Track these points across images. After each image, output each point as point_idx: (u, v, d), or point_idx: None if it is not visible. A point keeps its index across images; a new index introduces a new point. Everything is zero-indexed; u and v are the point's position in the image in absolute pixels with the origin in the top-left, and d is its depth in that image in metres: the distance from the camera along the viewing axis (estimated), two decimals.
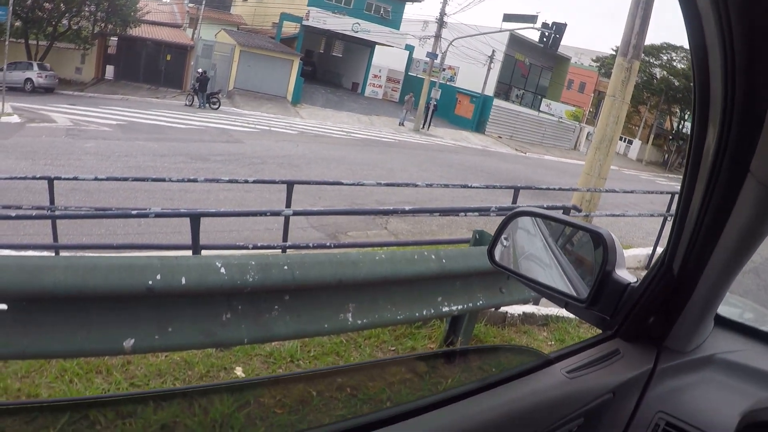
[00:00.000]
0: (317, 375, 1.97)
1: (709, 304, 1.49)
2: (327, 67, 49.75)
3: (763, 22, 0.85)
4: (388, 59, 45.57)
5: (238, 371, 4.08)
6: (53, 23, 33.05)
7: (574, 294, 1.48)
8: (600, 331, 1.61)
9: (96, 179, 7.42)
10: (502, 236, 1.70)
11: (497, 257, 1.70)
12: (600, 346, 1.54)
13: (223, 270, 2.90)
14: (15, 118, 20.91)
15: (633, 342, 1.54)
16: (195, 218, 5.13)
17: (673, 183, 34.14)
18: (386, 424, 1.10)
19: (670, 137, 53.73)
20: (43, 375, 3.65)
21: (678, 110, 51.91)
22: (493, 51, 43.60)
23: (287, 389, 1.39)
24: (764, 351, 1.72)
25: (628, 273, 1.44)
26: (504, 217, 1.73)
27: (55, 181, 7.36)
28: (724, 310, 1.77)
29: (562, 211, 6.75)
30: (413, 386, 1.55)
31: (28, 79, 30.14)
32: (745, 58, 0.91)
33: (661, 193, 12.62)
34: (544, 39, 28.15)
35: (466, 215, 8.10)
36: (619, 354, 1.51)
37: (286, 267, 3.06)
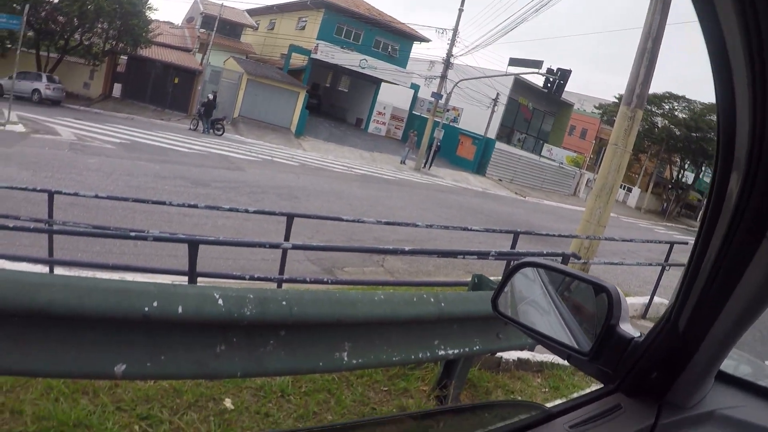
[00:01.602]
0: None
1: (713, 362, 1.48)
2: (332, 101, 50.10)
3: None
4: (393, 97, 45.95)
5: (227, 402, 4.02)
6: (65, 37, 33.38)
7: (576, 346, 1.48)
8: (599, 384, 1.59)
9: (96, 197, 7.39)
10: (506, 286, 1.71)
11: (500, 306, 1.70)
12: (602, 401, 1.52)
13: (220, 301, 2.87)
14: (20, 128, 21.01)
15: (634, 397, 1.52)
16: (193, 245, 5.10)
17: (672, 232, 34.27)
18: None
19: (670, 186, 54.08)
20: (28, 391, 3.61)
21: (678, 159, 52.31)
22: (498, 94, 43.99)
23: None
24: (764, 407, 1.70)
25: (631, 327, 1.43)
26: (506, 262, 1.73)
27: (56, 195, 7.35)
28: (724, 364, 1.76)
29: (561, 258, 6.74)
30: None
31: (36, 90, 30.33)
32: None
33: (660, 242, 12.64)
34: (549, 84, 28.40)
35: (464, 257, 8.08)
36: (621, 409, 1.49)
37: (284, 302, 3.03)
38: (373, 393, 4.62)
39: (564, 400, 4.94)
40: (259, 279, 6.03)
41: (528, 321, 1.66)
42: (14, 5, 28.44)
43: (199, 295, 2.88)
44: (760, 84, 0.86)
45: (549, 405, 1.56)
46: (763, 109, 0.89)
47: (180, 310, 2.74)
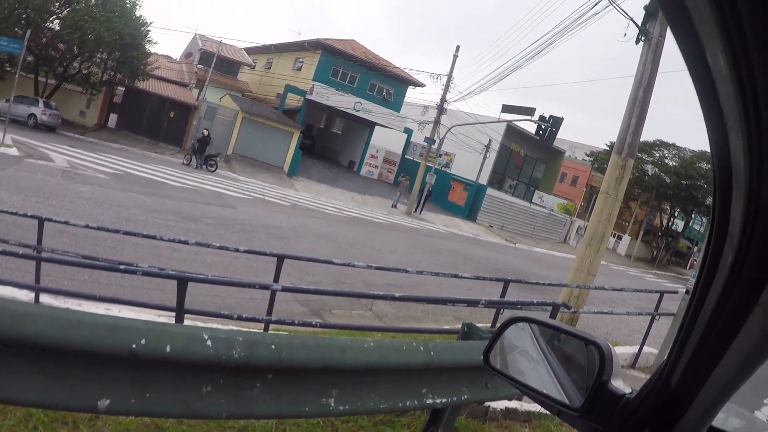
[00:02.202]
0: None
1: (705, 418, 1.45)
2: (326, 143, 50.40)
3: None
4: (386, 140, 46.27)
5: None
6: (64, 64, 33.67)
7: (567, 401, 1.48)
8: None
9: (87, 227, 7.35)
10: (498, 341, 1.72)
11: (495, 362, 1.70)
12: None
13: (209, 342, 2.85)
14: (14, 151, 21.03)
15: None
16: (183, 282, 5.07)
17: (661, 280, 34.34)
18: None
19: (660, 234, 54.30)
20: (6, 417, 3.55)
21: (668, 207, 52.60)
22: (490, 140, 44.38)
23: None
24: None
25: (622, 383, 1.43)
26: (496, 310, 1.73)
27: (46, 222, 7.31)
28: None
29: (551, 308, 6.74)
30: None
31: (32, 115, 30.49)
32: None
33: (650, 291, 12.64)
34: (541, 132, 28.67)
35: (453, 305, 8.06)
36: None
37: (273, 346, 3.01)
38: None
39: None
40: (246, 319, 5.99)
41: (518, 374, 1.66)
42: (16, 29, 28.75)
43: (188, 335, 2.87)
44: (755, 133, 0.87)
45: None
46: (759, 174, 0.90)
47: (168, 349, 2.73)
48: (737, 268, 1.05)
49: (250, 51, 52.08)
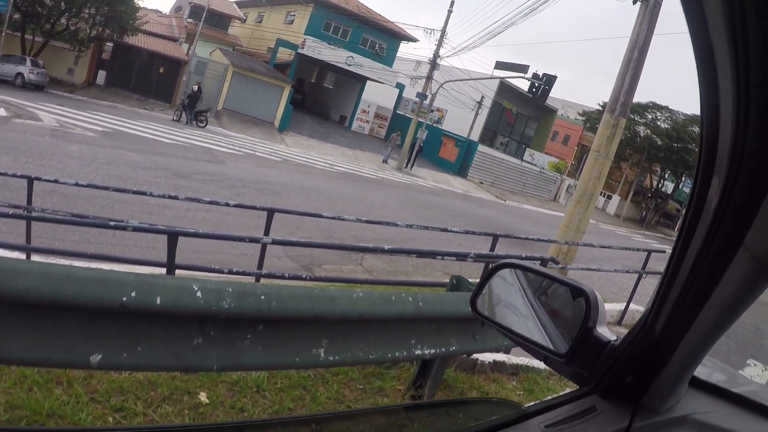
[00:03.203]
0: (282, 422, 1.94)
1: (687, 367, 1.50)
2: (317, 98, 49.99)
3: None
4: (377, 95, 45.92)
5: (202, 396, 4.01)
6: (52, 21, 32.99)
7: (553, 348, 1.49)
8: (575, 386, 1.61)
9: (77, 185, 7.31)
10: (485, 287, 1.72)
11: (479, 306, 1.71)
12: (577, 402, 1.54)
13: (199, 294, 2.86)
14: (1, 112, 20.75)
15: (609, 399, 1.54)
16: (173, 236, 5.08)
17: (650, 240, 34.52)
18: None
19: (649, 195, 54.45)
20: (1, 379, 3.57)
21: (659, 169, 52.64)
22: (482, 97, 44.11)
23: None
24: (736, 413, 1.74)
25: (608, 330, 1.44)
26: (485, 264, 1.75)
27: (35, 182, 7.28)
28: (697, 370, 1.78)
29: (540, 262, 6.79)
30: None
31: (20, 74, 29.95)
32: (758, 129, 0.92)
33: (638, 250, 12.73)
34: (534, 89, 28.49)
35: (443, 258, 8.10)
36: (596, 411, 1.51)
37: (263, 297, 3.03)
38: (349, 391, 4.63)
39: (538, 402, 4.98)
40: (237, 273, 6.02)
41: (505, 321, 1.68)
42: None
43: (178, 286, 2.88)
44: (743, 92, 0.88)
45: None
46: (746, 117, 0.91)
47: (158, 301, 2.74)
48: (723, 207, 1.07)
49: (241, 4, 51.24)
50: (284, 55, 40.88)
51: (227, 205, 7.36)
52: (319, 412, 3.92)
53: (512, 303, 1.70)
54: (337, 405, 4.36)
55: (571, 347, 1.42)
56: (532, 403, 1.61)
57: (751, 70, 0.86)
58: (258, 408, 4.06)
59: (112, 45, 37.54)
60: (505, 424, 1.42)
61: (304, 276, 6.59)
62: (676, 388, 1.57)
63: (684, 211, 1.21)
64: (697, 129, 43.98)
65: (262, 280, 5.99)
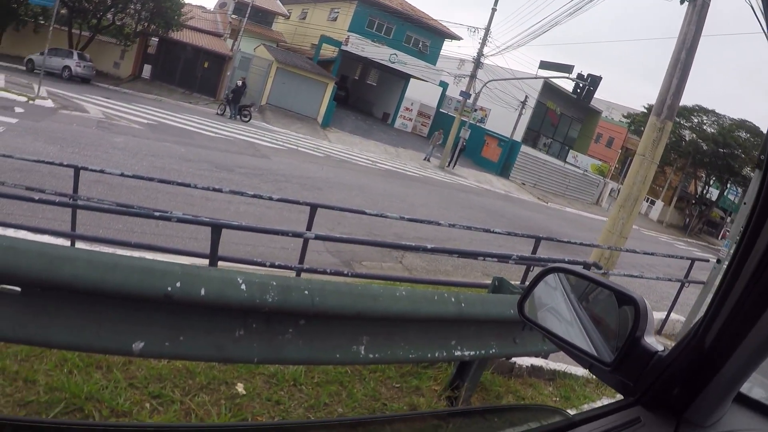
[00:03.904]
0: (318, 426, 1.94)
1: (735, 382, 1.46)
2: (360, 94, 50.12)
3: None
4: (421, 93, 45.87)
5: (239, 387, 4.03)
6: (98, 16, 33.73)
7: (598, 356, 1.48)
8: (613, 395, 1.58)
9: (122, 175, 7.43)
10: (534, 290, 1.72)
11: (529, 312, 1.71)
12: (621, 413, 1.51)
13: (243, 286, 2.87)
14: (49, 103, 21.19)
15: (654, 411, 1.51)
16: (216, 228, 5.12)
17: (692, 248, 33.92)
18: None
19: (693, 201, 53.43)
20: (42, 361, 3.64)
21: (703, 175, 51.62)
22: (526, 97, 43.81)
23: None
24: None
25: (655, 341, 1.42)
26: (525, 267, 1.72)
27: (81, 171, 7.40)
28: (744, 386, 1.74)
29: (582, 267, 6.68)
30: None
31: (67, 67, 30.64)
32: None
33: (681, 257, 12.51)
34: (578, 90, 28.18)
35: (484, 259, 8.04)
36: (640, 422, 1.48)
37: (306, 292, 3.03)
38: (385, 389, 4.62)
39: (574, 410, 4.90)
40: (279, 267, 6.04)
41: (551, 326, 1.66)
42: None
43: (222, 278, 2.89)
44: None
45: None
46: None
47: (203, 292, 2.75)
48: None
49: (285, 1, 51.61)
50: (328, 51, 41.09)
51: (270, 198, 7.41)
52: (351, 417, 3.91)
53: (555, 307, 1.69)
54: (373, 402, 4.35)
55: (618, 356, 1.41)
56: (577, 412, 1.58)
57: None
58: (294, 401, 4.07)
59: (157, 40, 38.19)
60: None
61: (345, 272, 6.58)
62: (721, 403, 1.53)
63: (747, 218, 1.18)
64: (743, 134, 43.09)
65: (303, 275, 6.01)
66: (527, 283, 1.97)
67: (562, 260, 7.01)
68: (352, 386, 4.46)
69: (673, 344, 1.45)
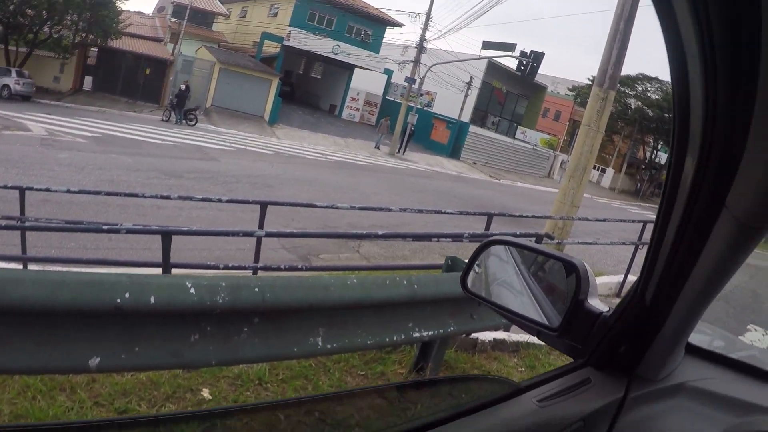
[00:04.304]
0: (285, 404, 1.96)
1: (680, 334, 1.50)
2: (305, 88, 49.83)
3: (747, 61, 0.87)
4: (366, 82, 45.79)
5: (205, 393, 4.03)
6: (34, 30, 32.71)
7: (546, 323, 1.49)
8: (571, 360, 1.61)
9: (69, 191, 7.32)
10: (476, 264, 1.71)
11: (470, 285, 1.71)
12: (571, 375, 1.54)
13: (192, 290, 2.87)
14: None
15: (604, 370, 1.54)
16: (166, 236, 5.09)
17: (645, 212, 34.55)
18: None
19: (643, 166, 54.42)
20: (5, 390, 3.58)
21: (651, 140, 52.61)
22: (471, 78, 44.01)
23: (255, 415, 1.38)
24: (733, 378, 1.74)
25: (600, 302, 1.45)
26: (478, 244, 1.73)
27: (27, 192, 7.26)
28: (695, 338, 1.78)
29: (534, 239, 6.79)
30: (382, 413, 1.55)
31: (5, 86, 29.70)
32: (727, 96, 0.94)
33: (633, 221, 12.76)
34: (522, 67, 28.43)
35: (438, 241, 8.12)
36: (590, 382, 1.52)
37: (256, 289, 3.04)
38: (350, 378, 4.65)
39: None
40: (233, 268, 6.02)
41: (498, 299, 1.68)
42: None
43: (171, 284, 2.88)
44: (711, 68, 0.90)
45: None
46: (714, 84, 0.93)
47: (152, 300, 2.74)
48: (701, 172, 1.07)
49: (224, 0, 50.98)
50: (270, 48, 40.74)
51: (220, 201, 7.37)
52: (313, 395, 3.93)
53: (507, 281, 1.70)
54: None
55: (563, 321, 1.42)
56: (526, 379, 1.61)
57: (716, 52, 0.88)
58: (260, 400, 4.08)
59: (96, 50, 37.30)
60: (499, 400, 1.41)
61: (300, 267, 6.60)
62: (671, 355, 1.58)
63: (664, 181, 1.22)
64: None
65: (259, 274, 6.00)
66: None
67: (514, 234, 7.11)
68: (317, 379, 4.49)
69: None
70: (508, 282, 1.70)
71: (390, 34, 46.27)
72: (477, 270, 1.72)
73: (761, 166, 0.96)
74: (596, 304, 1.43)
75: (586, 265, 1.46)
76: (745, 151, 0.98)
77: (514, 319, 1.60)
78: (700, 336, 1.93)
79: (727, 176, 1.05)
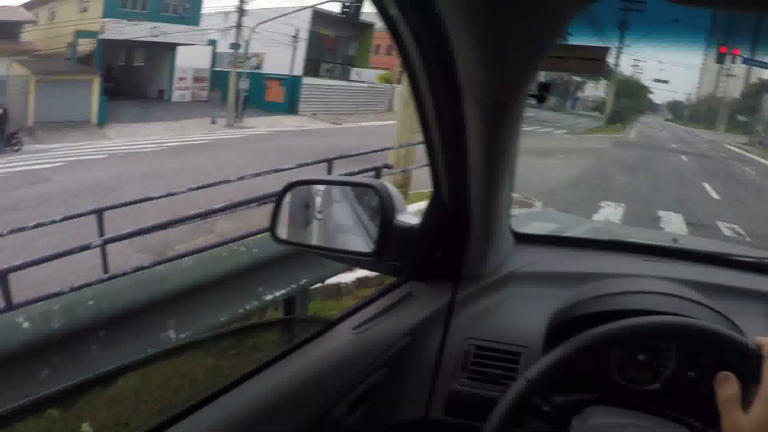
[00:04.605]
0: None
1: (492, 226, 1.54)
2: (130, 80, 47.35)
3: None
4: (192, 59, 44.13)
5: (85, 427, 3.92)
6: None
7: (363, 250, 1.50)
8: None
9: None
10: (281, 213, 1.64)
11: (284, 235, 1.65)
12: (393, 293, 1.57)
13: (26, 324, 2.74)
14: None
15: (427, 281, 1.58)
16: (2, 276, 4.86)
17: None
18: (191, 413, 1.14)
19: None
20: None
21: None
22: (297, 30, 43.46)
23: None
24: (563, 254, 1.83)
25: (411, 217, 1.46)
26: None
27: None
28: (530, 227, 1.89)
29: (374, 173, 6.89)
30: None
31: None
32: None
33: None
34: (346, 9, 28.35)
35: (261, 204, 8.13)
36: (413, 296, 1.55)
37: (91, 302, 2.96)
38: (225, 360, 4.66)
39: None
40: (82, 287, 5.81)
41: (312, 239, 1.68)
42: None
43: (1, 326, 2.76)
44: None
45: None
46: None
47: None
48: (432, 64, 1.11)
49: (29, 5, 46.95)
50: (87, 46, 38.37)
51: (53, 222, 7.05)
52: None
53: (320, 220, 1.68)
54: (217, 377, 4.40)
55: (377, 244, 1.42)
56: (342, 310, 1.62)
57: None
58: (142, 414, 4.01)
59: None
60: (312, 337, 1.42)
61: (147, 264, 6.44)
62: (491, 250, 1.63)
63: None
64: None
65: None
66: None
67: (351, 172, 7.19)
68: (192, 372, 4.48)
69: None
70: (322, 221, 1.68)
71: (209, 3, 44.66)
72: (287, 219, 1.66)
73: (465, 35, 0.89)
74: (407, 218, 1.43)
75: (387, 183, 1.48)
76: (450, 33, 0.92)
77: (331, 255, 1.66)
78: (538, 224, 2.06)
79: (447, 56, 1.00)
